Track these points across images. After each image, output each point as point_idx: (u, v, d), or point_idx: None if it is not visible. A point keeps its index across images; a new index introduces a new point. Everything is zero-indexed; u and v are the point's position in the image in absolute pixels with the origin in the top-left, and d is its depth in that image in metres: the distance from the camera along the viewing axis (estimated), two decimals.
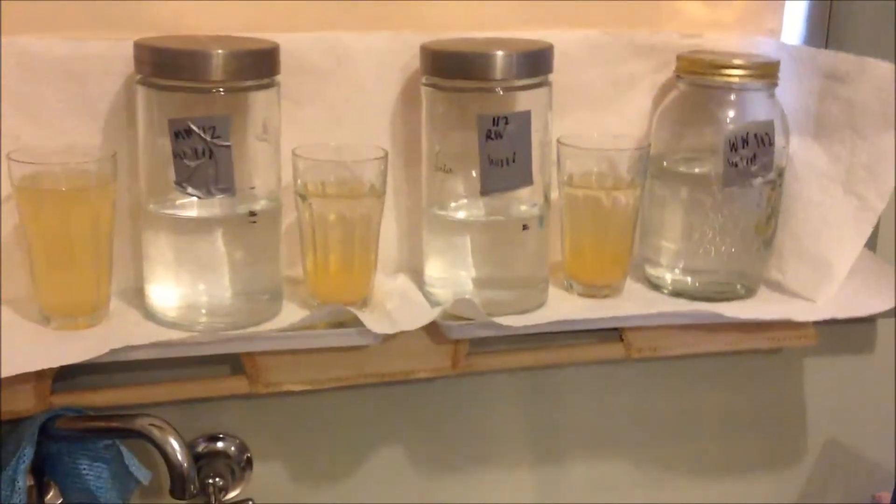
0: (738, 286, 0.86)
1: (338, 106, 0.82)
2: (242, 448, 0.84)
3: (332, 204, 0.77)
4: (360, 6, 0.81)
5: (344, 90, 0.81)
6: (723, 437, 0.99)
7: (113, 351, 0.69)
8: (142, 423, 0.66)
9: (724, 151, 0.81)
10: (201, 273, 0.75)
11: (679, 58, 0.85)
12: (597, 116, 0.88)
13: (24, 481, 0.69)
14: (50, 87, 0.75)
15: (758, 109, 0.83)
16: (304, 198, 0.77)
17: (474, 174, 0.79)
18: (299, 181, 0.77)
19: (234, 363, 0.79)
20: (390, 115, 0.83)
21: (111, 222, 0.74)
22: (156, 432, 0.65)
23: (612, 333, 0.86)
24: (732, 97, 0.83)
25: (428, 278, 0.83)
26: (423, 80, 0.79)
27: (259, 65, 0.73)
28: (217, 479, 0.82)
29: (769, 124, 0.82)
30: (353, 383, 0.79)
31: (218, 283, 0.75)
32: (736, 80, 0.82)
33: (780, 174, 0.85)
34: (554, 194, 0.83)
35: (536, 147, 0.78)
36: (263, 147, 0.76)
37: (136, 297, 0.78)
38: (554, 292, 0.84)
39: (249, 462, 0.85)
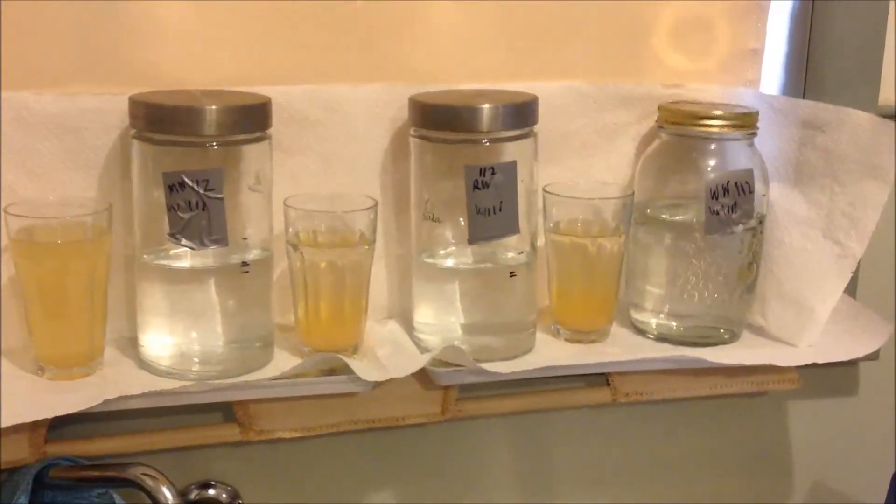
0: (722, 331, 0.88)
1: (329, 156, 0.83)
2: (234, 495, 0.85)
3: (323, 252, 0.78)
4: (351, 58, 0.83)
5: (335, 140, 0.83)
6: (709, 479, 1.00)
7: (107, 401, 0.70)
8: (135, 473, 0.67)
9: (706, 199, 0.83)
10: (194, 322, 0.76)
11: (661, 108, 0.88)
12: (582, 164, 0.90)
13: None
14: (46, 142, 0.77)
15: (738, 158, 0.85)
16: (295, 247, 0.78)
17: (462, 222, 0.80)
18: (291, 230, 0.78)
19: (226, 411, 0.80)
20: (380, 164, 0.85)
21: (106, 273, 0.75)
22: (148, 481, 0.66)
23: (599, 378, 0.87)
24: (713, 146, 0.85)
25: (417, 324, 0.84)
26: (412, 131, 0.81)
27: (251, 119, 0.75)
28: None
29: (749, 173, 0.84)
30: (344, 430, 0.80)
31: (210, 332, 0.77)
32: (716, 129, 0.84)
33: (761, 221, 0.86)
34: (540, 241, 0.85)
35: (523, 196, 0.80)
36: (256, 197, 0.77)
37: (130, 346, 0.79)
38: (541, 337, 0.86)
39: None
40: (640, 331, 0.89)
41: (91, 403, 0.70)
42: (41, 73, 0.77)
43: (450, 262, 0.82)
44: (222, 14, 0.80)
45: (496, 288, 0.82)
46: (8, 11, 0.75)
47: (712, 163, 0.85)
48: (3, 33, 0.75)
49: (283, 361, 0.79)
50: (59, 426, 0.74)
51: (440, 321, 0.83)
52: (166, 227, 0.73)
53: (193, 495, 0.83)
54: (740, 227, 0.84)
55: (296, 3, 0.81)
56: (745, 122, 0.85)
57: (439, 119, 0.79)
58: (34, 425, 0.72)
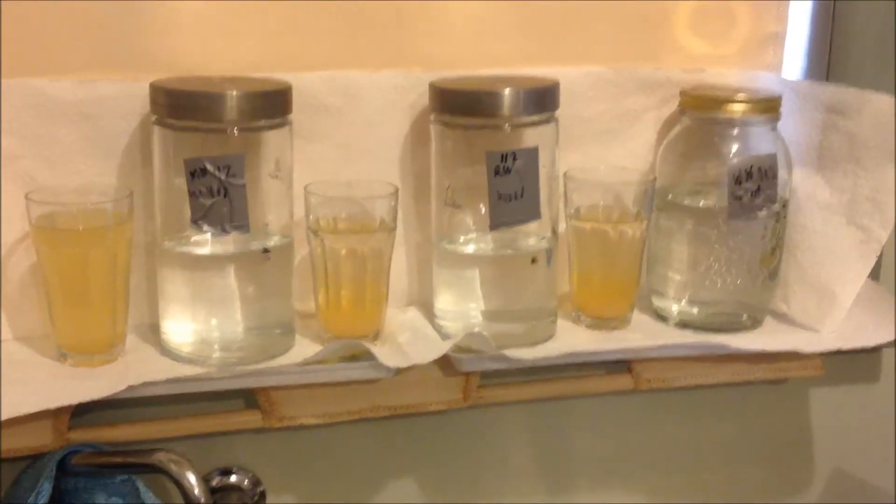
0: (744, 317, 0.87)
1: (348, 142, 0.83)
2: (256, 482, 0.85)
3: (343, 239, 0.78)
4: (370, 45, 0.83)
5: (354, 127, 0.83)
6: (730, 466, 0.99)
7: (130, 387, 0.70)
8: (159, 458, 0.67)
9: (729, 184, 0.82)
10: (215, 309, 0.76)
11: (682, 93, 0.87)
12: (602, 150, 0.89)
13: None
14: (65, 129, 0.76)
15: (760, 143, 0.85)
16: (316, 233, 0.78)
17: (483, 209, 0.80)
18: (311, 217, 0.78)
19: (248, 397, 0.79)
20: (399, 150, 0.85)
21: (127, 260, 0.75)
22: (173, 467, 0.66)
23: (621, 365, 0.87)
24: (735, 131, 0.85)
25: (438, 311, 0.84)
26: (432, 117, 0.81)
27: (272, 105, 0.74)
28: None
29: (772, 157, 0.83)
30: (365, 416, 0.80)
31: (231, 319, 0.76)
32: (739, 114, 0.83)
33: (784, 206, 0.86)
34: (561, 227, 0.85)
35: (544, 181, 0.80)
36: (276, 184, 0.77)
37: (151, 333, 0.80)
38: (562, 324, 0.85)
39: (263, 496, 0.85)
40: (662, 317, 0.88)
41: (115, 389, 0.70)
42: (59, 61, 0.77)
43: (470, 249, 0.82)
44: (240, 1, 0.79)
45: (517, 274, 0.82)
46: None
47: (735, 147, 0.85)
48: (21, 20, 0.75)
49: (303, 348, 0.79)
50: (81, 413, 0.74)
51: (461, 308, 0.83)
52: (188, 214, 0.73)
53: (215, 482, 0.83)
54: (763, 213, 0.84)
55: None
56: (769, 107, 0.84)
57: (460, 105, 0.78)
58: (57, 412, 0.71)
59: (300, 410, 0.78)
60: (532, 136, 0.79)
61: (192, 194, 0.72)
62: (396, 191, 0.79)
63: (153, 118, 0.74)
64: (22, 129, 0.76)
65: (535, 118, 0.79)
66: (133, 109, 0.77)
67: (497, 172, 0.77)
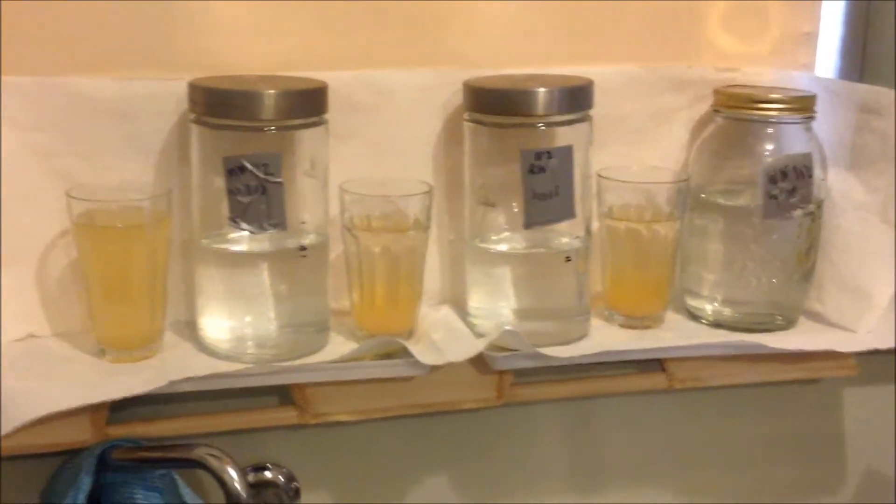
0: (778, 317, 0.87)
1: (381, 141, 0.83)
2: (290, 477, 0.85)
3: (377, 237, 0.78)
4: (403, 44, 0.83)
5: (387, 126, 0.83)
6: (762, 466, 0.99)
7: (172, 382, 0.71)
8: (200, 453, 0.67)
9: (763, 184, 0.82)
10: (252, 306, 0.77)
11: (716, 92, 0.87)
12: (635, 149, 0.89)
13: None
14: (103, 127, 0.77)
15: (795, 142, 0.85)
16: (350, 231, 0.78)
17: (515, 207, 0.80)
18: (346, 215, 0.79)
19: (283, 394, 0.80)
20: (432, 149, 0.85)
21: (166, 257, 0.76)
22: (214, 461, 0.66)
23: (654, 364, 0.86)
24: (770, 130, 0.85)
25: (471, 309, 0.84)
26: (466, 116, 0.81)
27: (309, 104, 0.75)
28: None
29: (807, 156, 0.83)
30: (399, 414, 0.80)
31: (268, 316, 0.77)
32: (774, 113, 0.83)
33: (819, 206, 0.85)
34: (593, 226, 0.85)
35: (577, 180, 0.80)
36: (311, 183, 0.77)
37: (188, 330, 0.80)
38: (595, 323, 0.85)
39: (297, 492, 0.86)
40: (695, 317, 0.88)
41: (156, 385, 0.70)
42: (97, 59, 0.77)
43: (503, 247, 0.82)
44: (275, 1, 0.80)
45: (550, 273, 0.82)
46: None
47: (770, 147, 0.85)
48: (60, 20, 0.76)
49: (338, 346, 0.79)
50: (119, 409, 0.74)
51: (494, 306, 0.83)
52: (225, 212, 0.74)
53: (250, 478, 0.83)
54: (798, 212, 0.83)
55: None
56: (803, 106, 0.84)
57: (494, 103, 0.79)
58: (96, 408, 0.72)
59: (335, 407, 0.79)
60: (566, 135, 0.79)
61: (229, 192, 0.72)
62: (431, 189, 0.80)
63: (191, 117, 0.75)
64: (61, 126, 0.76)
65: (569, 117, 0.79)
66: (170, 108, 0.78)
67: (532, 171, 0.77)
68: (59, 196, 0.75)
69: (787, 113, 0.84)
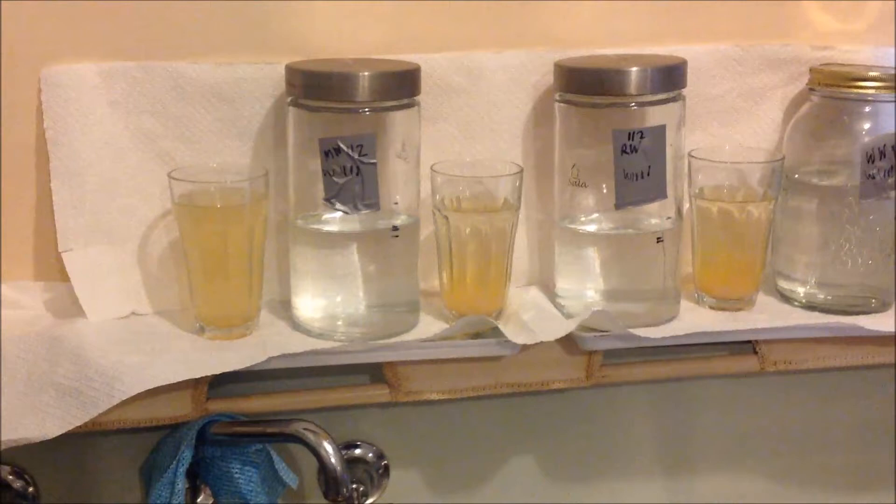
0: (873, 300, 0.85)
1: (471, 123, 0.84)
2: (380, 455, 0.87)
3: (468, 218, 0.79)
4: (494, 26, 0.84)
5: (477, 107, 0.84)
6: (856, 451, 0.97)
7: (270, 358, 0.73)
8: (296, 428, 0.69)
9: (861, 163, 0.80)
10: (344, 285, 0.78)
11: (812, 70, 0.85)
12: (727, 129, 0.88)
13: (183, 483, 0.73)
14: (203, 110, 0.79)
15: (892, 120, 0.82)
16: (441, 212, 0.79)
17: (605, 188, 0.80)
18: (437, 196, 0.79)
19: (373, 373, 0.81)
20: (522, 131, 0.85)
21: (263, 237, 0.77)
22: (311, 436, 0.68)
23: (746, 346, 0.86)
24: (867, 109, 0.83)
25: (560, 290, 0.84)
26: (557, 96, 0.81)
27: (402, 86, 0.76)
28: (358, 486, 0.85)
29: None
30: (489, 393, 0.81)
31: (358, 296, 0.78)
32: (872, 91, 0.82)
33: None
34: (684, 208, 0.84)
35: (669, 161, 0.79)
36: (402, 164, 0.78)
37: (282, 309, 0.82)
38: (684, 305, 0.85)
39: (387, 469, 0.87)
40: (787, 299, 0.87)
41: (256, 360, 0.72)
42: (198, 45, 0.79)
43: (592, 228, 0.82)
44: None
45: (640, 254, 0.82)
46: None
47: (867, 126, 0.83)
48: (162, 7, 0.78)
49: (427, 325, 0.80)
50: (217, 385, 0.76)
51: (583, 287, 0.83)
52: (320, 193, 0.75)
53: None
54: None
55: None
56: None
57: (586, 83, 0.78)
58: (196, 383, 0.74)
59: (426, 386, 0.80)
60: (658, 115, 0.79)
61: (325, 173, 0.74)
62: (521, 170, 0.80)
63: (288, 99, 0.76)
64: (163, 110, 0.79)
65: (662, 96, 0.79)
66: (268, 92, 0.80)
67: (624, 151, 0.77)
68: (161, 178, 0.77)
69: (885, 90, 0.82)
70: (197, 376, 0.71)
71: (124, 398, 0.70)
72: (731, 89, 0.87)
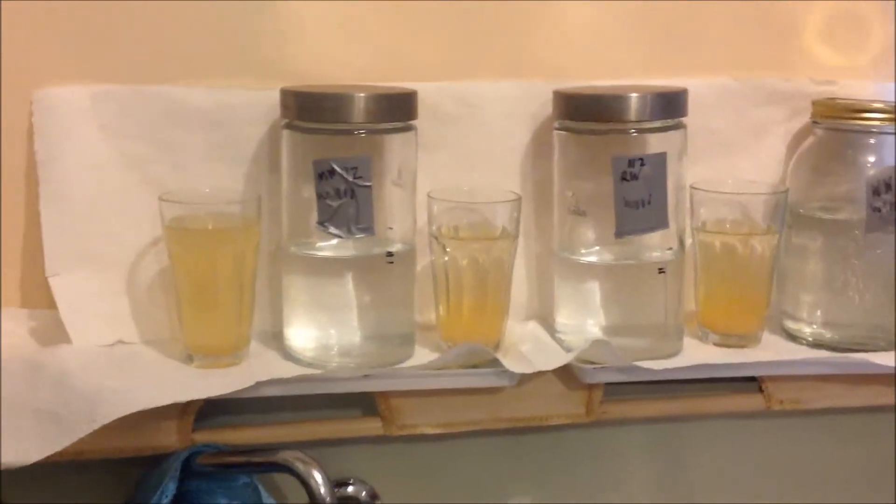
0: (880, 339, 0.83)
1: (469, 152, 0.83)
2: (373, 494, 0.84)
3: (465, 246, 0.77)
4: (489, 55, 0.83)
5: (474, 137, 0.83)
6: (862, 494, 0.94)
7: (259, 383, 0.70)
8: (285, 457, 0.66)
9: (867, 196, 0.79)
10: (338, 315, 0.76)
11: (815, 102, 0.85)
12: (729, 163, 0.87)
13: None
14: (195, 135, 0.78)
15: None
16: (438, 240, 0.78)
17: (606, 219, 0.78)
18: (434, 225, 0.78)
19: (367, 405, 0.79)
20: (520, 161, 0.84)
21: (254, 264, 0.76)
22: (300, 466, 0.65)
23: (751, 384, 0.83)
24: (872, 141, 0.82)
25: (559, 324, 0.82)
26: (556, 124, 0.80)
27: (398, 108, 0.75)
28: None
29: None
30: (487, 427, 0.78)
31: (353, 326, 0.76)
32: (876, 123, 0.81)
33: None
34: (686, 242, 0.82)
35: (671, 191, 0.78)
36: (399, 191, 0.77)
37: (273, 340, 0.80)
38: (688, 342, 0.82)
39: None
40: (794, 338, 0.85)
41: (243, 385, 0.70)
42: (190, 69, 0.78)
43: (593, 259, 0.80)
44: (361, 11, 0.81)
45: (641, 287, 0.80)
46: (157, 10, 0.77)
47: (871, 158, 0.82)
48: (152, 30, 0.77)
49: (423, 358, 0.78)
50: (204, 417, 0.74)
51: (583, 320, 0.81)
52: (314, 219, 0.73)
53: None
54: None
55: (433, 1, 0.81)
56: None
57: (585, 110, 0.78)
58: (183, 412, 0.72)
59: (420, 419, 0.77)
60: (659, 143, 0.78)
61: (319, 196, 0.72)
62: (519, 198, 0.79)
63: (283, 122, 0.75)
64: (155, 134, 0.78)
65: (662, 123, 0.77)
66: (261, 117, 0.79)
67: (624, 178, 0.76)
68: (151, 204, 0.75)
69: (888, 123, 0.81)
70: (182, 400, 0.69)
71: (105, 422, 0.67)
72: (733, 123, 0.87)
